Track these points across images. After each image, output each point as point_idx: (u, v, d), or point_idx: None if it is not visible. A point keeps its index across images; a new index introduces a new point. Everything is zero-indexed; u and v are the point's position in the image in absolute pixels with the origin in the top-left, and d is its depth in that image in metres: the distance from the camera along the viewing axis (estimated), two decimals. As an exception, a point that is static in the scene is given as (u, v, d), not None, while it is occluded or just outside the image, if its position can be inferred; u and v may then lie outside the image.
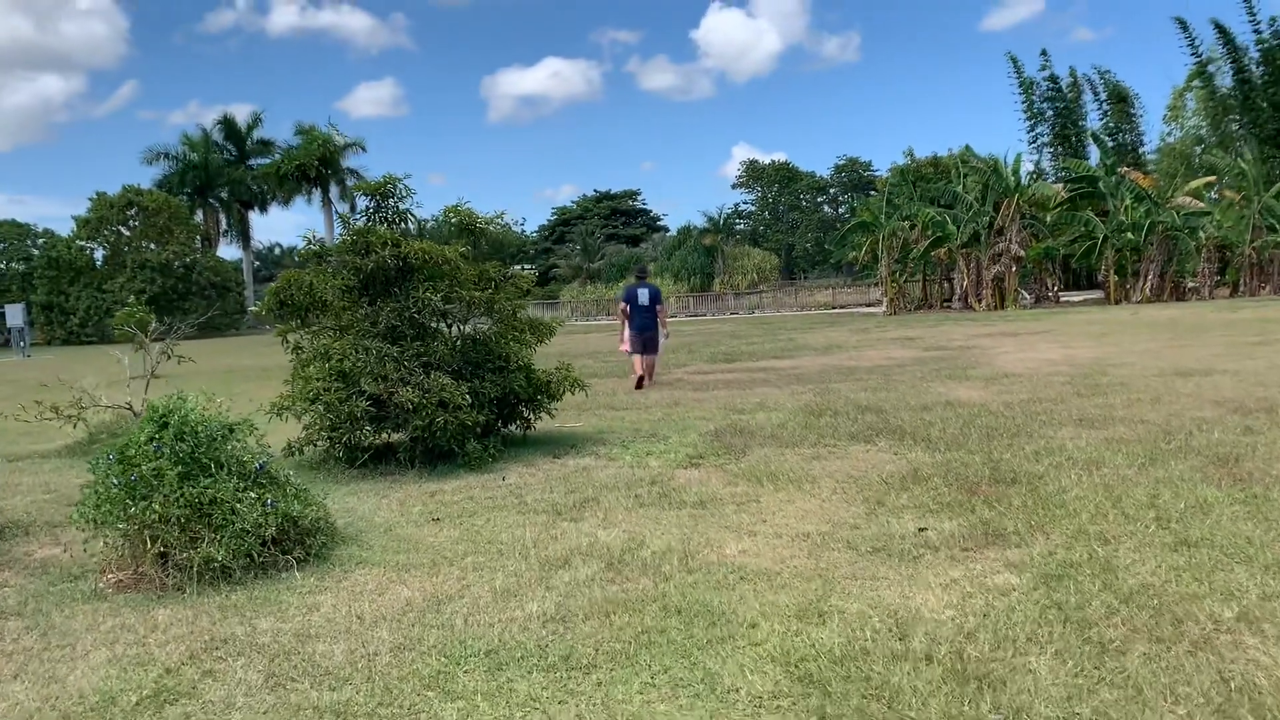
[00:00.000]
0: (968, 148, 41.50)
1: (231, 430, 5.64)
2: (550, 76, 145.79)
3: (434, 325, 8.49)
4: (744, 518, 6.13)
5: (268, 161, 61.28)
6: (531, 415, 9.16)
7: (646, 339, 14.48)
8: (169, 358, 10.61)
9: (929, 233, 37.49)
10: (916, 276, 41.80)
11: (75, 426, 9.70)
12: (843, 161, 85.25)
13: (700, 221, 67.50)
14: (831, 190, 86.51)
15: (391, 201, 8.37)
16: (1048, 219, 38.44)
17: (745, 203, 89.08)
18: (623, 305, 14.87)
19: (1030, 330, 22.62)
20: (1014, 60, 56.27)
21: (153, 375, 10.69)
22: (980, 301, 37.09)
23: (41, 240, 57.54)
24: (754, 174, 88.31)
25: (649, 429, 10.01)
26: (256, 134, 65.40)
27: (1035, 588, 4.52)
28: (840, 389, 12.48)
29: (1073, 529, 5.44)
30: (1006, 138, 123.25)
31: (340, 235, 8.44)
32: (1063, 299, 39.70)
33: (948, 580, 4.71)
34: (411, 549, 5.75)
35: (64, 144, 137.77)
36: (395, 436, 8.51)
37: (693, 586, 4.80)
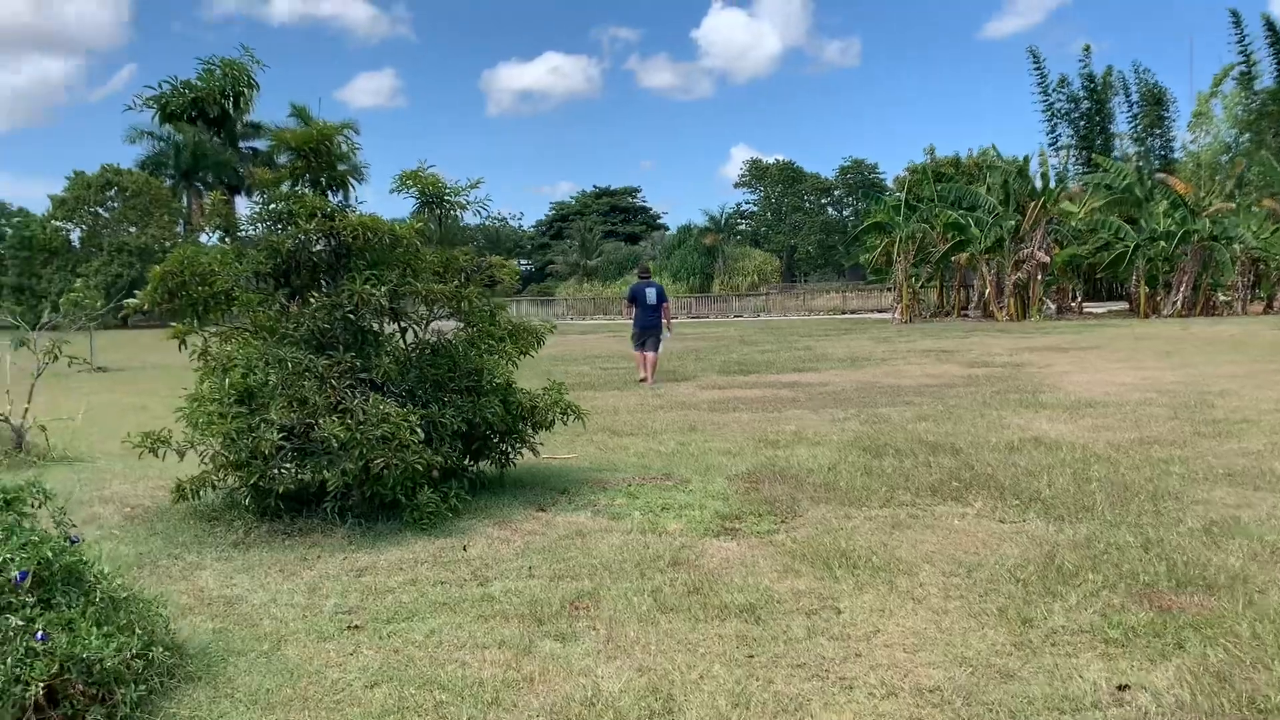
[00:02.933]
0: (993, 147, 39.22)
1: (6, 504, 3.45)
2: (550, 72, 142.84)
3: (378, 329, 6.28)
4: (824, 646, 3.95)
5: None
6: (510, 450, 6.96)
7: (650, 337, 14.79)
8: (56, 358, 8.43)
9: (950, 236, 35.26)
10: (934, 282, 39.56)
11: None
12: (848, 163, 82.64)
13: (700, 220, 65.33)
14: (836, 192, 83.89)
15: (324, 161, 6.11)
16: (1074, 224, 36.22)
17: (747, 203, 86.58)
18: (626, 301, 15.50)
19: (1077, 345, 20.44)
20: (1035, 55, 54.02)
21: (36, 377, 8.51)
22: (1001, 310, 34.88)
23: (16, 219, 54.88)
24: (757, 173, 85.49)
25: (661, 466, 7.85)
26: (248, 117, 62.84)
27: None
28: (891, 416, 10.29)
29: (1380, 701, 3.28)
30: (1018, 141, 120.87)
31: (253, 205, 6.18)
32: (1086, 310, 37.55)
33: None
34: (296, 698, 3.55)
35: (61, 126, 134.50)
36: (328, 474, 6.31)
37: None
